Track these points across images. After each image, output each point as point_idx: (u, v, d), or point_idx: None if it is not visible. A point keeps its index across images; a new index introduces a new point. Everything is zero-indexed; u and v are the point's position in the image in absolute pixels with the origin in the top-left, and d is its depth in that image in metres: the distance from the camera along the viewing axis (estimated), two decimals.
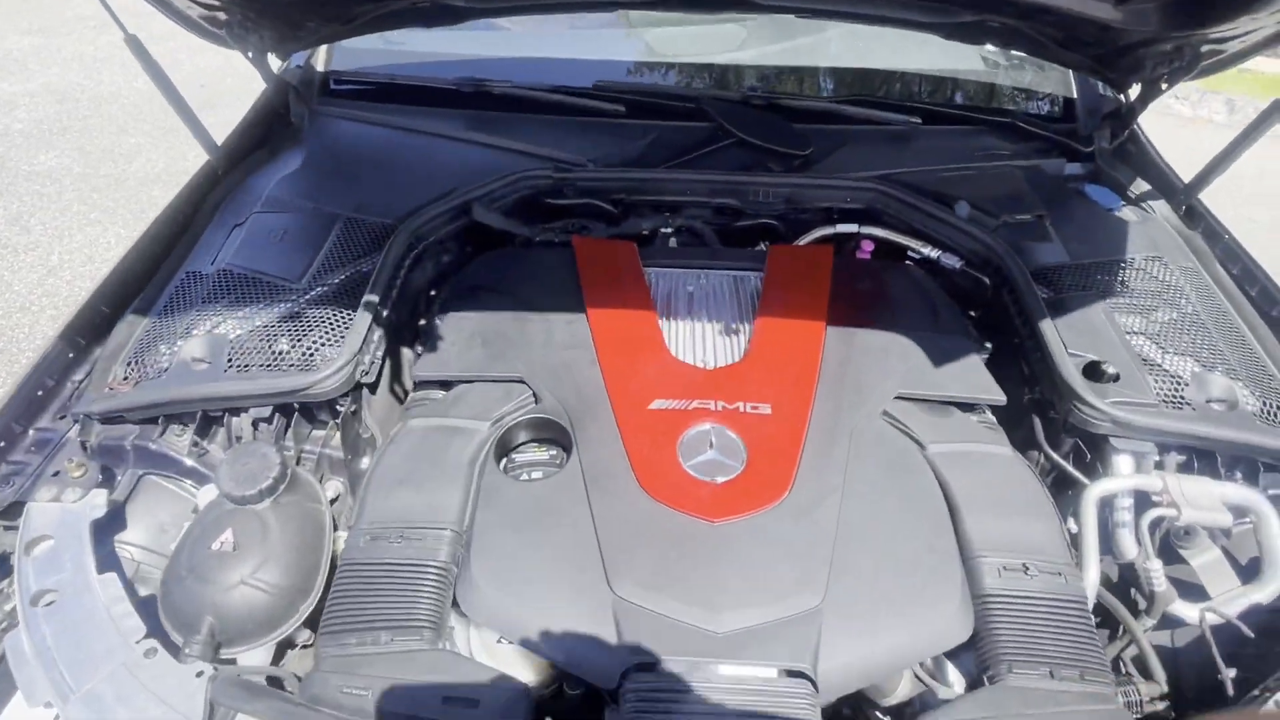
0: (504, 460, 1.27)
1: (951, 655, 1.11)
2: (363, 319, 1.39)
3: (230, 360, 1.35)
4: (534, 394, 1.31)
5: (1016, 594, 1.09)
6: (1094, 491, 1.26)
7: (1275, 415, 1.34)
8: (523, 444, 1.30)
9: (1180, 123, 6.42)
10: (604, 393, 1.29)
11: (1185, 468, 1.36)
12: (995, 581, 1.10)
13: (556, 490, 1.16)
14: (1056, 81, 2.23)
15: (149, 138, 5.30)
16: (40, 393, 1.39)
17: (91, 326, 1.49)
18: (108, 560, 1.27)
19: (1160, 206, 1.87)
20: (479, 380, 1.34)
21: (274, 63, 2.07)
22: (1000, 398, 1.36)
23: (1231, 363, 1.43)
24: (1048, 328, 1.42)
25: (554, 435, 1.28)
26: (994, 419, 1.39)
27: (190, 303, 1.49)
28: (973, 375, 1.38)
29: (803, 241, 1.73)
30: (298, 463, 1.39)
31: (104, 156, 5.11)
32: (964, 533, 1.15)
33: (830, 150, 1.92)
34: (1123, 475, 1.30)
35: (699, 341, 1.42)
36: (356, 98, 2.16)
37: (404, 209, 1.68)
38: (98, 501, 1.26)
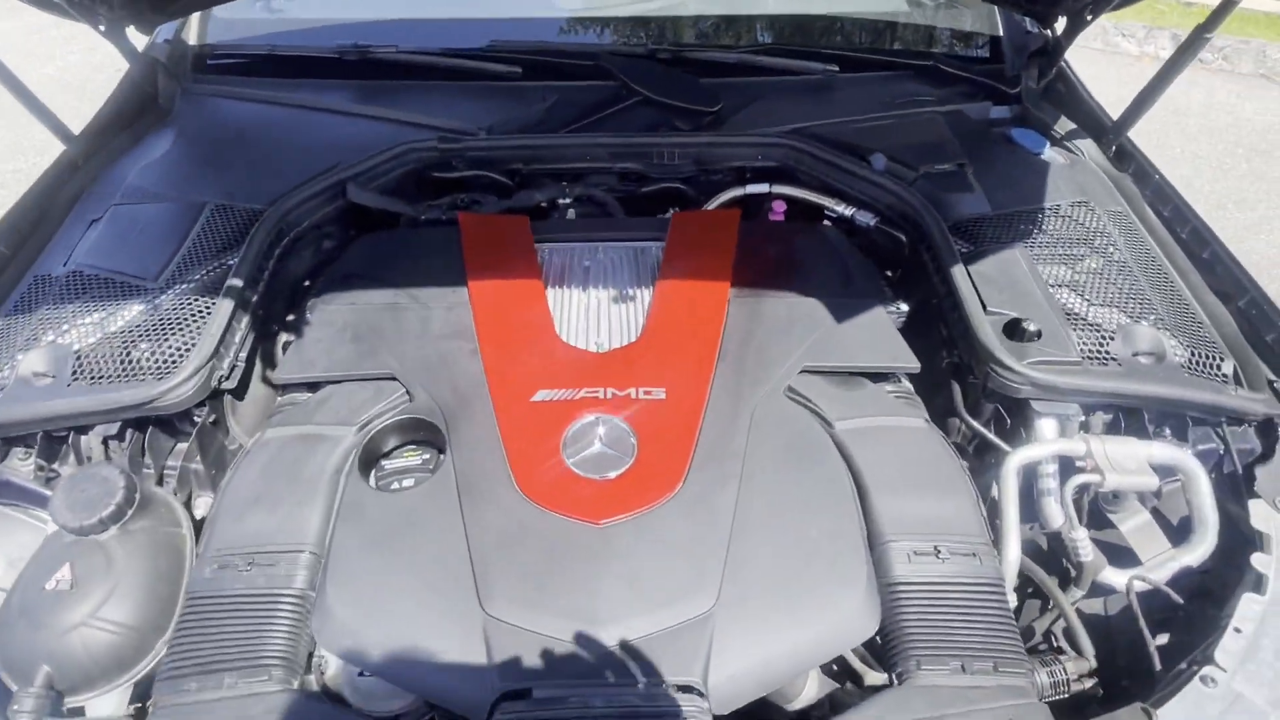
0: (373, 469, 1.16)
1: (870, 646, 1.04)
2: (219, 318, 1.26)
3: (75, 373, 1.21)
4: (407, 392, 1.19)
5: (927, 581, 1.01)
6: (1014, 460, 1.18)
7: (1204, 366, 1.27)
8: (394, 449, 1.18)
9: (1129, 60, 6.36)
10: (484, 386, 1.17)
11: (1112, 427, 1.29)
12: (904, 568, 1.02)
13: (426, 499, 1.06)
14: (981, 19, 2.12)
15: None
16: None
17: None
18: None
19: (1089, 148, 1.78)
20: (347, 380, 1.22)
21: (140, 40, 1.90)
22: (914, 364, 1.27)
23: (1160, 311, 1.35)
24: (964, 285, 1.33)
25: (428, 437, 1.17)
26: (910, 388, 1.31)
27: (36, 310, 1.35)
28: (885, 342, 1.29)
29: (711, 205, 1.62)
30: (159, 482, 1.26)
31: (9, 153, 4.81)
32: (872, 516, 1.07)
33: (742, 105, 1.80)
34: (1045, 441, 1.22)
35: (593, 323, 1.31)
36: (234, 73, 1.98)
37: (279, 192, 1.53)
38: None
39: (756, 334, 1.27)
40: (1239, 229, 4.37)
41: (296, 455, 1.11)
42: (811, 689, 1.00)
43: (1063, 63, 1.93)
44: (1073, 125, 1.83)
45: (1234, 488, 1.22)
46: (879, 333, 1.30)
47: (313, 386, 1.25)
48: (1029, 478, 1.22)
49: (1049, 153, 1.75)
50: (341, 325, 1.29)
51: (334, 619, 0.95)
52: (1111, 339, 1.29)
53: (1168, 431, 1.28)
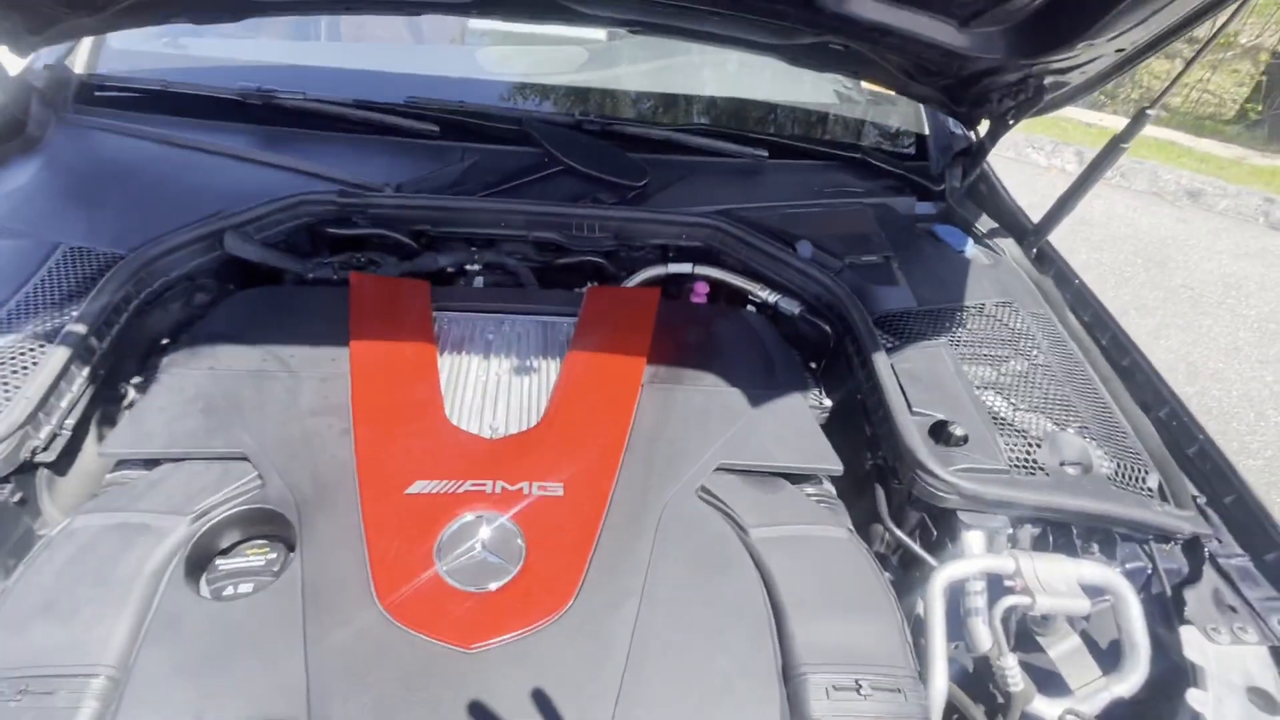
0: (206, 570, 0.97)
1: None
2: (43, 377, 1.07)
3: None
4: (260, 476, 1.02)
5: None
6: (941, 576, 1.08)
7: (1130, 479, 1.22)
8: (233, 546, 0.99)
9: (1037, 171, 6.80)
10: (352, 472, 1.01)
11: (1040, 541, 1.22)
12: (822, 706, 0.89)
13: (262, 610, 0.88)
14: (909, 118, 2.15)
15: None
16: None
17: None
18: None
19: (1011, 248, 1.78)
20: (190, 458, 1.04)
21: (14, 63, 1.72)
22: (837, 467, 1.17)
23: (1085, 419, 1.31)
24: (889, 382, 1.26)
25: (277, 531, 0.99)
26: (833, 491, 1.21)
27: None
28: (807, 440, 1.19)
29: (631, 282, 1.52)
30: None
31: None
32: (788, 641, 0.94)
33: (669, 183, 1.74)
34: (973, 557, 1.13)
35: (489, 403, 1.17)
36: (122, 107, 1.81)
37: (149, 238, 1.36)
38: None
39: (670, 424, 1.16)
40: (1141, 334, 4.57)
41: (109, 550, 0.91)
42: None
43: (985, 165, 1.96)
44: (994, 225, 1.84)
45: (1163, 610, 1.15)
46: (801, 429, 1.21)
47: (150, 464, 1.06)
48: (955, 595, 1.13)
49: (972, 250, 1.74)
50: (194, 393, 1.11)
51: None
52: (1038, 446, 1.23)
53: (1095, 548, 1.21)
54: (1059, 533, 1.21)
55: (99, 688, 0.81)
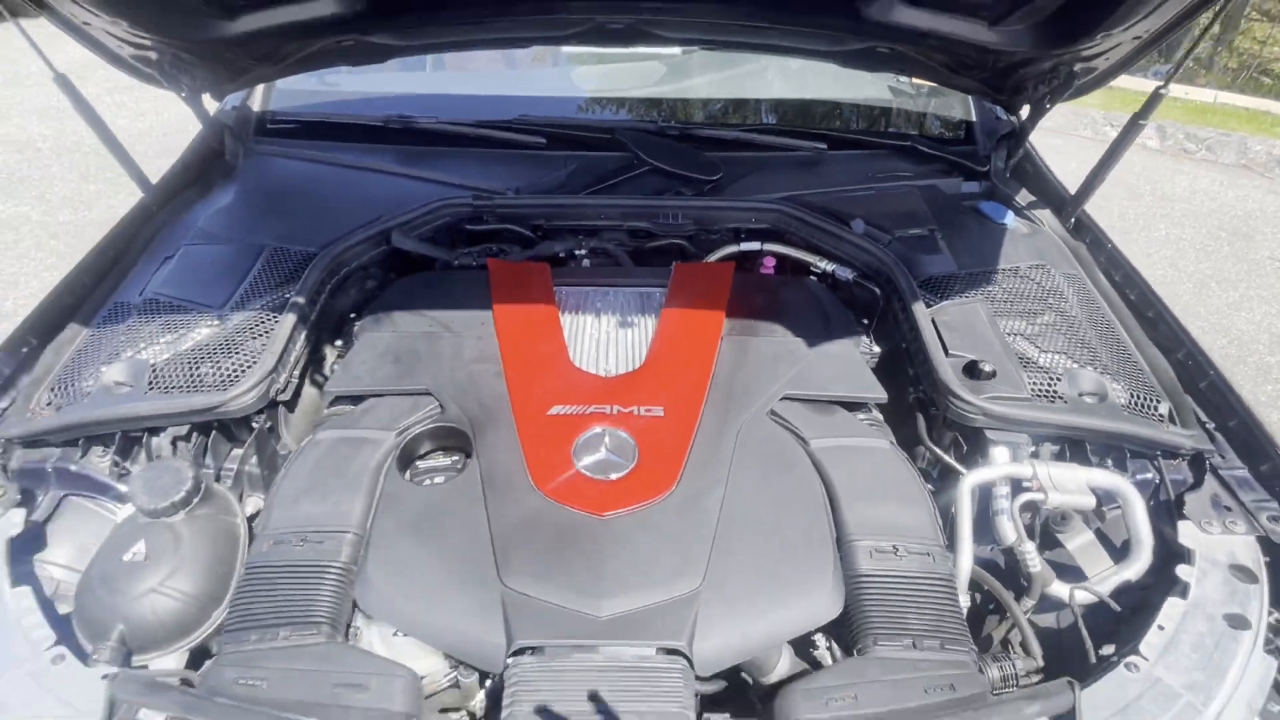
0: (409, 468, 1.33)
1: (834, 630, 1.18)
2: (278, 340, 1.46)
3: (151, 383, 1.40)
4: (440, 405, 1.37)
5: (886, 574, 1.16)
6: (969, 480, 1.34)
7: (1142, 406, 1.44)
8: (427, 453, 1.36)
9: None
10: (506, 401, 1.36)
11: (1059, 457, 1.45)
12: (867, 563, 1.17)
13: (454, 493, 1.23)
14: (957, 106, 2.38)
15: (110, 184, 5.35)
16: None
17: (16, 358, 1.54)
18: (26, 578, 1.31)
19: (1049, 219, 1.99)
20: (388, 394, 1.41)
21: (211, 104, 2.17)
22: (881, 395, 1.44)
23: (1104, 360, 1.53)
24: (928, 331, 1.52)
25: (457, 443, 1.35)
26: (879, 417, 1.48)
27: (116, 331, 1.54)
28: (857, 376, 1.47)
29: (710, 259, 1.83)
30: (217, 479, 1.44)
31: (63, 204, 5.15)
32: (840, 519, 1.23)
33: (740, 176, 2.04)
34: (996, 465, 1.38)
35: (602, 352, 1.50)
36: (291, 136, 2.24)
37: (329, 239, 1.76)
38: (14, 520, 1.30)
39: (744, 366, 1.46)
40: (1222, 306, 4.57)
41: (343, 453, 1.29)
42: (784, 665, 1.14)
43: (1028, 144, 2.17)
44: (1035, 199, 2.06)
45: (1169, 513, 1.37)
46: (852, 368, 1.49)
47: (356, 400, 1.43)
48: (985, 500, 1.39)
49: (1012, 222, 1.97)
50: (384, 349, 1.48)
51: (374, 589, 1.11)
52: (1059, 380, 1.47)
53: (1109, 463, 1.44)
54: (1076, 450, 1.44)
55: (350, 540, 1.18)
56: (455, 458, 1.35)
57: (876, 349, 1.59)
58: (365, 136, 2.19)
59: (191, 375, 1.42)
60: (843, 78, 2.17)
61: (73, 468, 1.38)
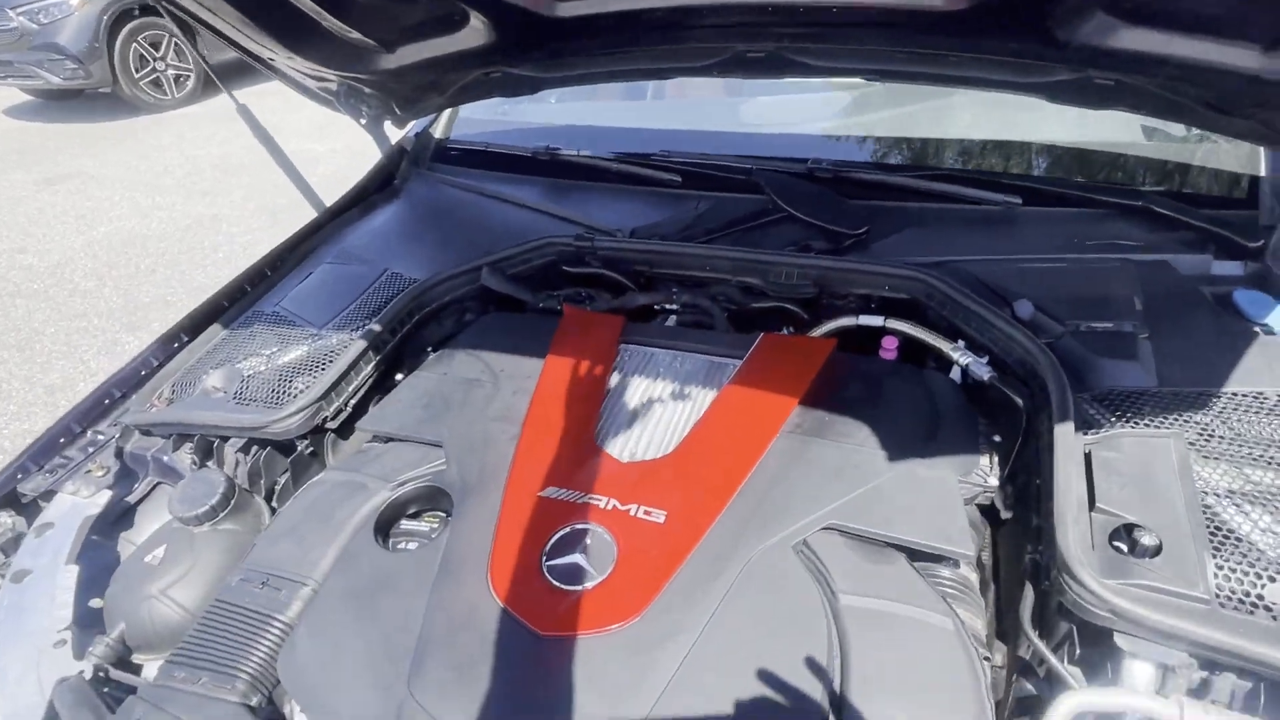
0: (393, 525, 1.26)
1: None
2: (337, 367, 1.48)
3: (238, 393, 1.50)
4: (447, 461, 1.29)
5: None
6: (1069, 701, 0.93)
7: None
8: (419, 512, 1.27)
9: None
10: (505, 471, 1.23)
11: (1247, 702, 0.96)
12: None
13: (408, 568, 1.12)
14: (1240, 159, 1.76)
15: None
16: (107, 401, 1.65)
17: (167, 350, 1.75)
18: (104, 554, 1.46)
19: None
20: (406, 440, 1.35)
21: (395, 132, 2.33)
22: (966, 550, 1.07)
23: None
24: (1070, 466, 1.10)
25: (447, 507, 1.24)
26: (973, 581, 1.10)
27: (240, 338, 1.68)
28: (939, 516, 1.10)
29: (816, 332, 1.53)
30: (268, 495, 1.49)
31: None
32: (844, 714, 0.91)
33: (894, 230, 1.69)
34: (1121, 690, 0.95)
35: (635, 430, 1.30)
36: (459, 164, 2.33)
37: (443, 268, 1.77)
38: (99, 500, 1.46)
39: (791, 475, 1.17)
40: None
41: (336, 498, 1.25)
42: None
43: None
44: None
45: None
46: (938, 503, 1.12)
47: (385, 440, 1.40)
48: None
49: (1278, 323, 1.39)
50: (424, 392, 1.44)
51: (294, 651, 1.04)
52: (1273, 580, 0.97)
53: None
54: (1274, 697, 0.94)
55: (305, 593, 1.13)
56: (434, 525, 1.25)
57: (993, 480, 1.19)
58: (519, 167, 2.20)
59: (277, 390, 1.49)
60: (1060, 114, 1.71)
61: (166, 459, 1.52)
